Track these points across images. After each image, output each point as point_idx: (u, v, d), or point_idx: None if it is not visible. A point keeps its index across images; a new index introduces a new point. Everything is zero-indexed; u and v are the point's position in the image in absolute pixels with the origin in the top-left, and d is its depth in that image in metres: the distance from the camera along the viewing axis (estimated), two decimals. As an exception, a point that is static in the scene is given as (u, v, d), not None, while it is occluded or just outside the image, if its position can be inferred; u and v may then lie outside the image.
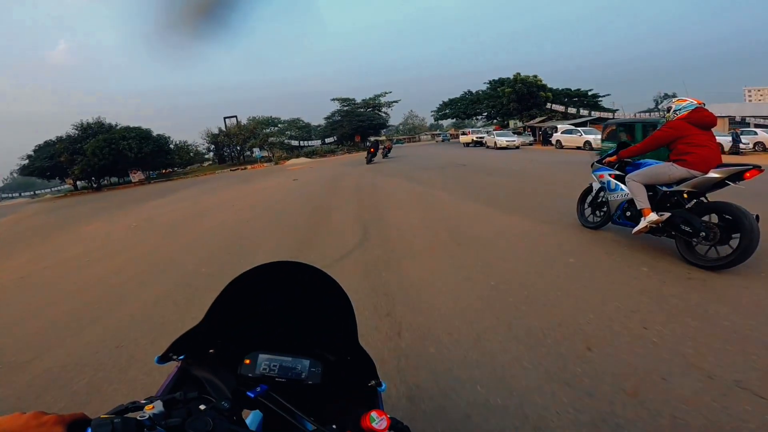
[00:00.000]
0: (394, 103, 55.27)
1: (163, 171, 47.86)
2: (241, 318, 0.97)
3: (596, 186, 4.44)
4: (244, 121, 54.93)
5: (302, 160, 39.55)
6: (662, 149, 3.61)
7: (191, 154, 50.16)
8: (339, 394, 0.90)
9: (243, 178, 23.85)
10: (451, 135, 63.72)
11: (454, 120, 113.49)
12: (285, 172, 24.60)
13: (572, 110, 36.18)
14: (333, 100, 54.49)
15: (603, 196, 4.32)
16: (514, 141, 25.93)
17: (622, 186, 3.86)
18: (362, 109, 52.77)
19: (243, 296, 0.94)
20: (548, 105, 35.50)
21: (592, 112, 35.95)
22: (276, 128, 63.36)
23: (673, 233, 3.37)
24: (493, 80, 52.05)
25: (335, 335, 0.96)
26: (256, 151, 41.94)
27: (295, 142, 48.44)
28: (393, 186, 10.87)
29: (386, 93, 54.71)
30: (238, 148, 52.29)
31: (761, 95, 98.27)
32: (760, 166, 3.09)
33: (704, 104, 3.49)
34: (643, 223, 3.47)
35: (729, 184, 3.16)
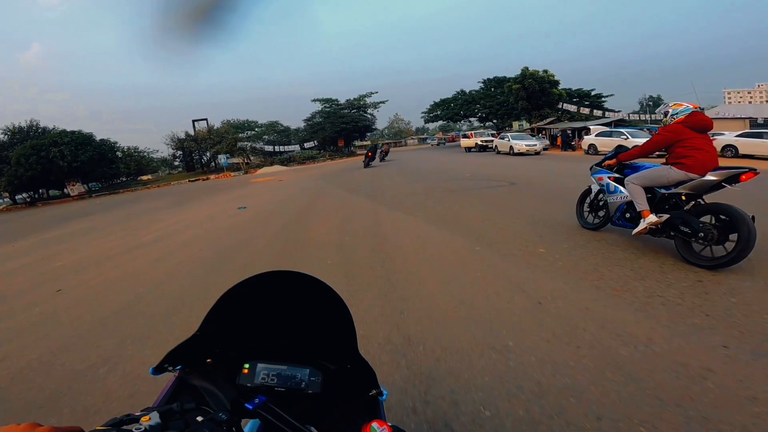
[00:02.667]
0: (381, 104, 50.08)
1: (117, 180, 41.28)
2: (238, 327, 0.95)
3: (595, 188, 4.51)
4: (217, 125, 49.21)
5: (275, 168, 33.77)
6: None
7: (144, 161, 43.52)
8: (339, 403, 0.87)
9: (188, 195, 18.06)
10: (448, 139, 58.89)
11: (442, 123, 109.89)
12: (247, 186, 18.92)
13: (584, 110, 31.94)
14: (314, 101, 48.95)
15: (602, 198, 4.42)
16: (536, 146, 21.09)
17: (621, 188, 3.95)
18: (346, 110, 47.35)
19: (239, 305, 0.92)
20: (560, 104, 31.09)
21: (606, 113, 31.96)
22: (253, 132, 57.53)
23: (672, 234, 3.45)
24: (488, 79, 47.84)
25: (335, 344, 0.93)
26: (222, 158, 35.89)
27: (271, 148, 42.63)
28: (412, 234, 5.51)
29: (372, 93, 49.53)
30: (208, 154, 46.21)
31: (740, 97, 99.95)
32: (755, 169, 3.18)
33: (701, 108, 3.83)
34: (642, 225, 3.54)
35: (725, 186, 3.26)
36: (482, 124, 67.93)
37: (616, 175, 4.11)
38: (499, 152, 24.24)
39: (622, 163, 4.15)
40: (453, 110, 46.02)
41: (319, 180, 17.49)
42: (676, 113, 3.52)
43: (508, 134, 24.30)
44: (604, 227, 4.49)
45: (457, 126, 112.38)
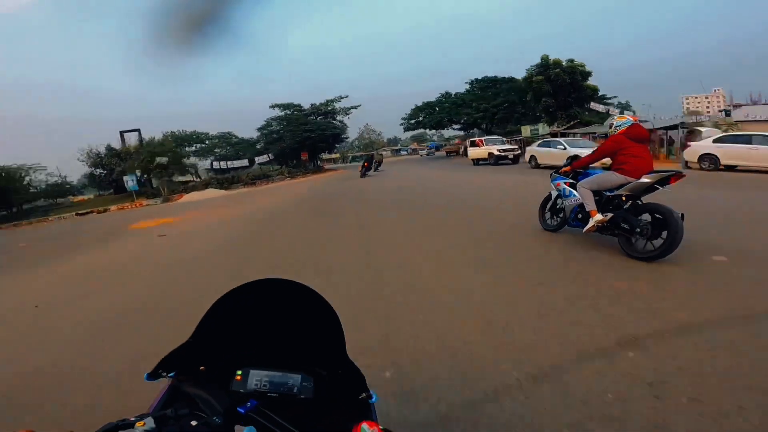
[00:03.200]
0: (352, 110, 41.58)
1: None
2: (231, 334, 0.96)
3: (554, 194, 4.93)
4: (158, 137, 38.76)
5: (209, 193, 24.01)
6: None
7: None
8: (331, 408, 0.88)
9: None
10: (446, 149, 50.90)
11: (414, 133, 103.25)
12: (101, 245, 9.37)
13: (614, 111, 25.14)
14: (272, 106, 39.19)
15: (560, 203, 4.79)
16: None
17: (575, 192, 4.31)
18: (312, 117, 38.29)
19: (231, 313, 0.93)
20: (589, 103, 24.11)
21: (624, 112, 25.52)
22: (203, 145, 46.81)
23: (616, 232, 3.86)
24: (477, 80, 41.02)
25: (325, 349, 0.95)
26: (129, 180, 25.44)
27: (219, 164, 32.57)
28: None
29: (342, 97, 40.99)
30: (138, 173, 35.16)
31: (698, 102, 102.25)
32: (682, 172, 3.77)
33: (639, 120, 4.65)
34: (591, 223, 3.98)
35: (658, 189, 3.71)
36: (466, 132, 61.29)
37: (571, 181, 4.51)
38: (538, 165, 16.39)
39: (575, 170, 4.57)
40: (438, 115, 38.48)
41: (267, 225, 8.65)
42: (620, 125, 4.05)
43: (561, 140, 16.60)
44: (562, 228, 4.85)
45: (430, 137, 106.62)
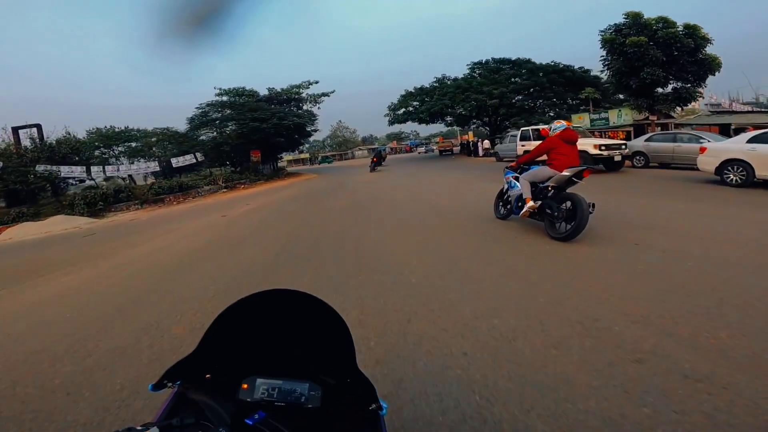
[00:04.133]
0: (323, 97, 31.06)
1: None
2: (237, 344, 0.94)
3: (506, 186, 5.61)
4: (81, 134, 26.44)
5: (56, 225, 12.95)
6: None
7: None
8: (339, 418, 0.86)
9: None
10: (439, 147, 41.94)
11: (391, 132, 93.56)
12: None
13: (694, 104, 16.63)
14: (219, 94, 27.31)
15: (508, 194, 5.55)
16: None
17: (518, 184, 5.08)
18: (273, 105, 27.30)
19: (238, 323, 0.92)
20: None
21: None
22: (135, 145, 33.88)
23: (543, 216, 4.69)
24: (483, 62, 32.05)
25: (333, 359, 0.94)
26: None
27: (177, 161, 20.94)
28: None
29: (311, 83, 30.33)
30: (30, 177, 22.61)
31: None
32: (593, 168, 5.50)
33: (572, 125, 5.53)
34: (525, 209, 4.79)
35: (577, 182, 4.48)
36: (463, 128, 52.06)
37: (517, 175, 5.24)
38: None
39: (520, 165, 5.33)
40: (439, 102, 28.97)
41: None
42: (556, 128, 4.83)
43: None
44: (510, 217, 5.64)
45: (412, 135, 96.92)
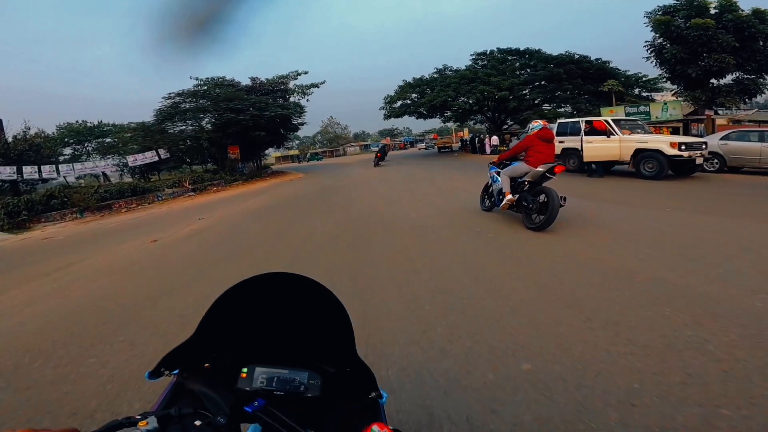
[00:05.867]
0: (313, 88, 27.60)
1: None
2: (235, 330, 0.91)
3: (490, 181, 5.93)
4: (51, 130, 23.01)
5: None
6: None
7: None
8: (339, 406, 0.85)
9: None
10: (438, 144, 38.82)
11: (383, 129, 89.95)
12: None
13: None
14: (197, 85, 22.96)
15: (492, 188, 5.93)
16: None
17: (500, 178, 5.41)
18: (253, 96, 23.75)
19: (236, 308, 0.89)
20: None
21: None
22: (109, 141, 29.72)
23: (520, 209, 5.10)
24: (485, 53, 29.07)
25: (333, 347, 0.91)
26: None
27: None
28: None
29: (300, 73, 26.82)
30: None
31: None
32: (563, 164, 5.80)
33: (548, 124, 5.50)
34: (504, 201, 5.13)
35: (550, 177, 4.84)
36: (461, 123, 49.13)
37: (499, 170, 5.55)
38: None
39: (502, 161, 5.69)
40: (441, 93, 25.86)
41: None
42: (534, 128, 5.17)
43: None
44: (494, 209, 5.99)
45: (405, 131, 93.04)
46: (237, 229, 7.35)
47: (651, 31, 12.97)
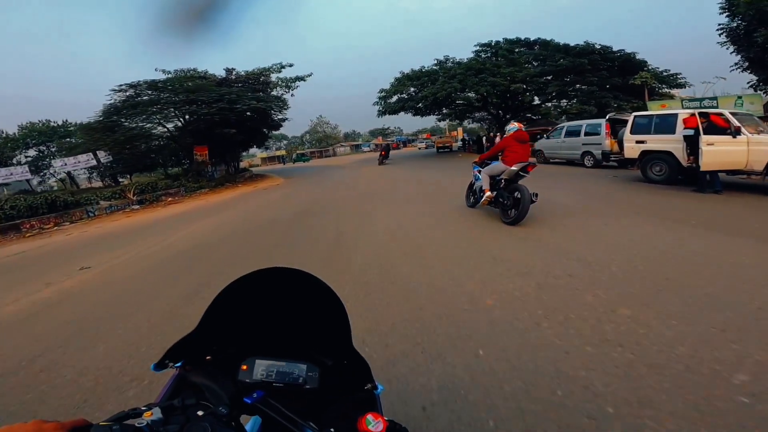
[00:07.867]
0: (299, 81, 23.95)
1: None
2: (236, 324, 0.94)
3: (473, 179, 6.47)
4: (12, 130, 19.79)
5: None
6: None
7: None
8: (337, 398, 0.87)
9: None
10: (438, 143, 35.60)
11: (373, 129, 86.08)
12: None
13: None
14: (166, 73, 20.16)
15: (474, 186, 6.46)
16: None
17: (481, 176, 5.89)
18: (223, 88, 20.07)
19: (236, 302, 0.91)
20: None
21: None
22: (70, 140, 25.72)
23: (497, 205, 5.60)
24: (491, 43, 25.85)
25: (330, 339, 0.93)
26: None
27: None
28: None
29: (284, 66, 23.19)
30: None
31: None
32: (535, 163, 5.86)
33: (523, 126, 5.81)
34: (484, 198, 5.66)
35: (524, 176, 5.36)
36: (459, 121, 45.76)
37: (481, 169, 5.99)
38: None
39: (483, 160, 6.10)
40: (447, 85, 22.49)
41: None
42: (510, 129, 5.55)
43: None
44: (477, 205, 6.36)
45: (392, 130, 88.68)
46: (95, 320, 3.81)
47: (725, 15, 9.92)
